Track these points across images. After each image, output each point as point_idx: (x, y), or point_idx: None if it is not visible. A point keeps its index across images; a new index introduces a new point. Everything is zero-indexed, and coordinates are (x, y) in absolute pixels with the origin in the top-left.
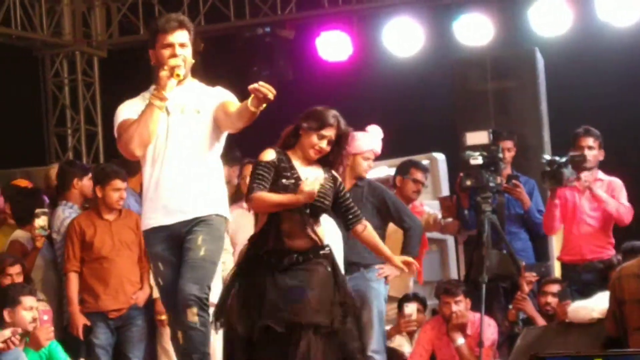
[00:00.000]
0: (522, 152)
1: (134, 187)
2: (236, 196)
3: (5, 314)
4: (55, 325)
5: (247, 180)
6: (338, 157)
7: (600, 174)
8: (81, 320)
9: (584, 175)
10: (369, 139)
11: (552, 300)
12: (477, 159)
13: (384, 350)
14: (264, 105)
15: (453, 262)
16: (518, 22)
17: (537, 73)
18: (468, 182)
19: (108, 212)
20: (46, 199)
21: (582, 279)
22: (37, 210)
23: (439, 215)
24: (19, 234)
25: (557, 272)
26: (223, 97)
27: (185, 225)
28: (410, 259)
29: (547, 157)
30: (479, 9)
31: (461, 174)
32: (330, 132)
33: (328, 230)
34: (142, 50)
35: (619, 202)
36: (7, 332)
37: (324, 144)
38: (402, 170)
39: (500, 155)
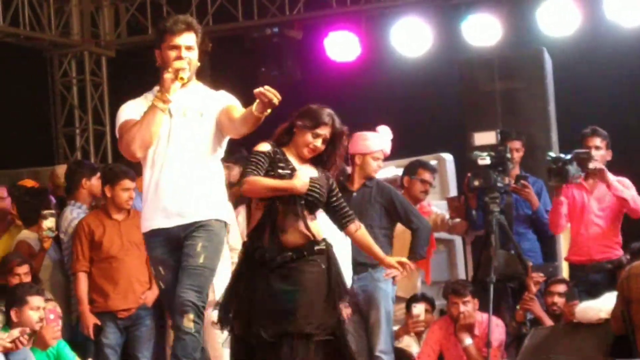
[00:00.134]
0: (529, 152)
1: (141, 188)
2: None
3: (12, 313)
4: (63, 325)
5: None
6: (331, 157)
7: (615, 182)
8: (91, 320)
9: (593, 163)
10: (379, 139)
11: (559, 300)
12: (484, 159)
13: (392, 350)
14: (269, 110)
15: (461, 263)
16: (526, 22)
17: (545, 73)
18: (476, 183)
19: (117, 212)
20: (53, 199)
21: (590, 279)
22: (45, 212)
23: (447, 216)
24: (26, 234)
25: (564, 272)
26: (227, 101)
27: (184, 229)
28: (404, 259)
29: (552, 154)
30: (487, 9)
31: (469, 175)
32: (325, 131)
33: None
34: (150, 50)
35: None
36: (15, 332)
37: (318, 143)
38: (410, 170)
39: (508, 155)
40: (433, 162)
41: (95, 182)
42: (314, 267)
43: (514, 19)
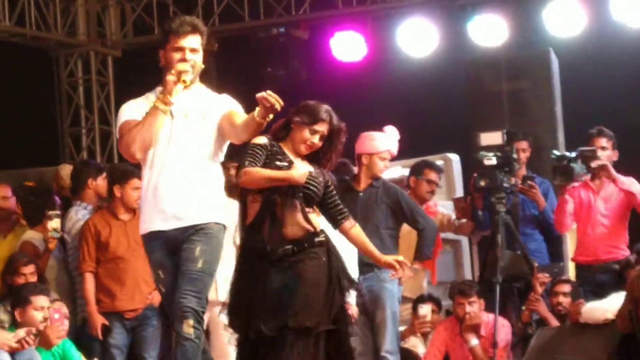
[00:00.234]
0: (536, 152)
1: None
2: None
3: (17, 313)
4: (69, 325)
5: None
6: (328, 154)
7: (621, 177)
8: (99, 321)
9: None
10: (386, 139)
11: (564, 300)
12: (491, 160)
13: (398, 350)
14: (271, 116)
15: (467, 263)
16: (532, 22)
17: (551, 74)
18: (482, 183)
19: (124, 212)
20: (57, 200)
21: (596, 279)
22: (50, 212)
23: (453, 216)
24: (31, 234)
25: (571, 272)
26: (229, 106)
27: (183, 232)
28: (400, 257)
29: (557, 153)
30: (493, 9)
31: (475, 175)
32: (322, 128)
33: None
34: (157, 50)
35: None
36: (21, 332)
37: (315, 139)
38: (416, 170)
39: (515, 155)
40: (439, 163)
41: (101, 182)
42: (315, 261)
43: (520, 20)
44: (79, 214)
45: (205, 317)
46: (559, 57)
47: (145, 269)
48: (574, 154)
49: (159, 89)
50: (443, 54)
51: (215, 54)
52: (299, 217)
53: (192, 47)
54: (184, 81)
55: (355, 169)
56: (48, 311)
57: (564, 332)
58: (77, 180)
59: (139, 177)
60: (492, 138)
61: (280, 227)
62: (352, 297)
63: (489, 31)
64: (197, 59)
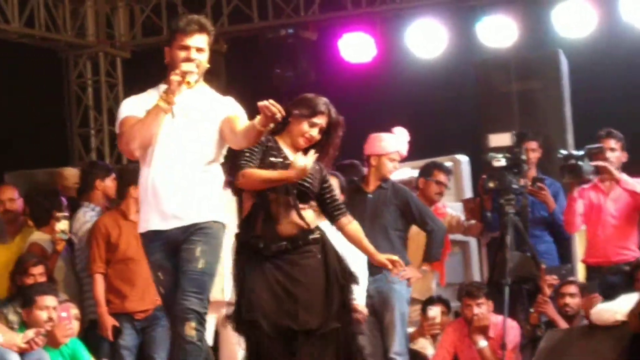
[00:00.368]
0: (545, 154)
1: None
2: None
3: (23, 313)
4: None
5: None
6: (325, 148)
7: (624, 176)
8: (110, 322)
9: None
10: (395, 140)
11: (571, 301)
12: (500, 161)
13: (407, 352)
14: (271, 125)
15: (476, 264)
16: (542, 23)
17: (561, 75)
18: (491, 184)
19: (134, 212)
20: (64, 201)
21: (607, 281)
22: (58, 214)
23: (462, 217)
24: (38, 236)
25: (580, 274)
26: (232, 110)
27: (183, 232)
28: (395, 257)
29: (564, 151)
30: (502, 10)
31: (484, 176)
32: (321, 120)
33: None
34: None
35: None
36: (30, 333)
37: (314, 132)
38: (425, 172)
39: (524, 157)
40: (448, 164)
41: (109, 184)
42: (310, 260)
43: (529, 21)
44: (87, 215)
45: (213, 318)
46: (568, 58)
47: None
48: (581, 152)
49: (163, 86)
50: (452, 55)
51: (224, 55)
52: (293, 213)
53: (198, 47)
54: (188, 82)
55: (365, 170)
56: (54, 311)
57: (573, 334)
58: (85, 181)
59: None
60: (501, 139)
61: (273, 223)
62: (361, 298)
63: (498, 32)
64: (202, 59)
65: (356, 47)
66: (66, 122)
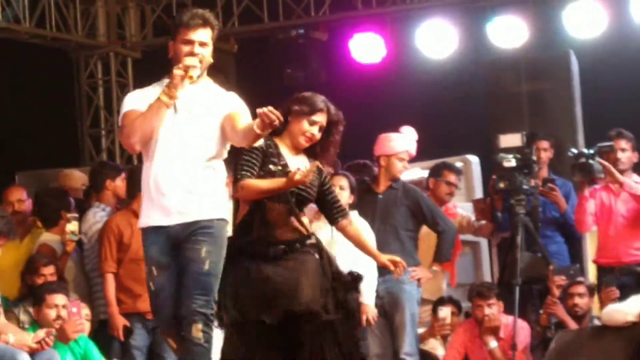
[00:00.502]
0: (556, 154)
1: None
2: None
3: (34, 312)
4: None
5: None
6: (325, 147)
7: (635, 177)
8: (121, 322)
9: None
10: (403, 140)
11: (580, 301)
12: (510, 162)
13: (417, 352)
14: (269, 130)
15: (486, 265)
16: (552, 24)
17: (571, 75)
18: (501, 185)
19: None
20: (72, 201)
21: (618, 281)
22: (68, 215)
23: (472, 218)
24: (47, 237)
25: (591, 274)
26: (235, 106)
27: (185, 228)
28: (397, 258)
29: (575, 150)
30: (513, 11)
31: (494, 177)
32: (321, 118)
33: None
34: None
35: None
36: (41, 333)
37: (315, 130)
38: (435, 172)
39: (534, 157)
40: (458, 164)
41: (119, 184)
42: (309, 257)
43: (540, 21)
44: (97, 215)
45: None
46: (579, 59)
47: None
48: (592, 151)
49: (166, 80)
50: (462, 55)
51: (235, 55)
52: (291, 220)
53: (201, 41)
54: (191, 77)
55: (376, 171)
56: (64, 309)
57: (584, 335)
58: (95, 181)
59: None
60: (511, 140)
61: (270, 229)
62: (370, 299)
63: (508, 32)
64: (205, 53)
65: (366, 48)
66: (77, 123)
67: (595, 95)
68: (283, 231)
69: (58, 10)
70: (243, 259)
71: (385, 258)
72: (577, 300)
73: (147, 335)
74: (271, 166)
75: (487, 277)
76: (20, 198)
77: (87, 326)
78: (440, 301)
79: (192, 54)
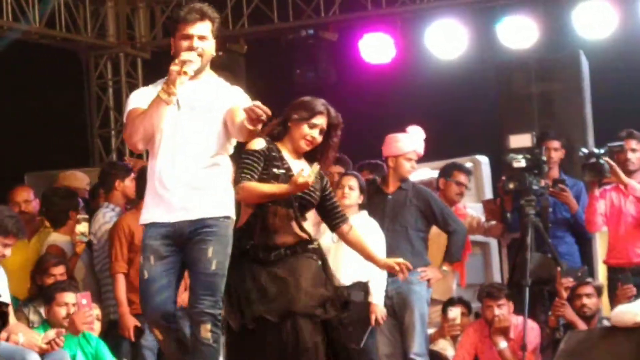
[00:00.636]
0: (566, 155)
1: None
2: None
3: (45, 311)
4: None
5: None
6: (325, 151)
7: (633, 182)
8: (132, 322)
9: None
10: (410, 139)
11: (588, 302)
12: (520, 162)
13: (427, 353)
14: (260, 126)
15: (496, 265)
16: (562, 24)
17: (581, 76)
18: (511, 185)
19: None
20: (81, 202)
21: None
22: (78, 216)
23: (482, 218)
24: (55, 237)
25: (601, 275)
26: (237, 100)
27: (190, 225)
28: (400, 260)
29: (585, 150)
30: (523, 11)
31: (503, 177)
32: (321, 121)
33: (371, 231)
34: None
35: None
36: (51, 333)
37: (315, 133)
38: (445, 172)
39: (544, 158)
40: (468, 165)
41: (129, 184)
42: (310, 260)
43: (550, 22)
44: (107, 216)
45: None
46: (589, 59)
47: None
48: (602, 150)
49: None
50: (472, 56)
51: (245, 56)
52: (293, 225)
53: (200, 34)
54: (185, 72)
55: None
56: (74, 307)
57: (594, 336)
58: (105, 181)
59: None
60: (521, 140)
61: (271, 234)
62: (380, 298)
63: (518, 33)
64: (206, 47)
65: (376, 48)
66: (87, 123)
67: (605, 95)
68: (284, 236)
69: (68, 10)
70: (244, 263)
71: (389, 261)
72: (585, 300)
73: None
74: (275, 170)
75: (497, 278)
76: (27, 198)
77: (97, 326)
78: (450, 302)
79: (191, 48)
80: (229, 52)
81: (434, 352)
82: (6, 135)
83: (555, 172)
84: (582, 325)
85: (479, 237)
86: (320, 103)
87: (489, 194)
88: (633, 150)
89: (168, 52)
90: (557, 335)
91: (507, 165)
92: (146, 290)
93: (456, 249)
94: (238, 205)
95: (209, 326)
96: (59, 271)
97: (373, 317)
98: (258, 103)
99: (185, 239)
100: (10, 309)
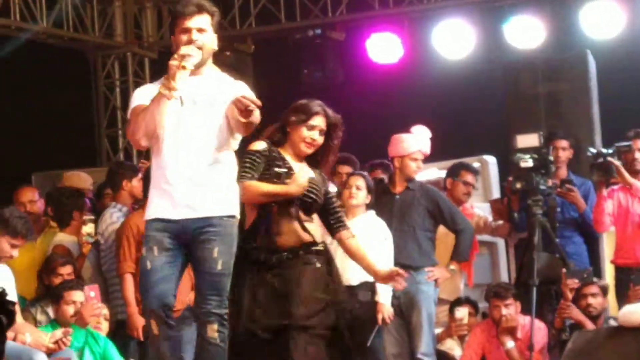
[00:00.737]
0: (574, 154)
1: None
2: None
3: (53, 310)
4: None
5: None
6: (325, 154)
7: (638, 183)
8: (140, 322)
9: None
10: (415, 139)
11: (594, 302)
12: (527, 162)
13: (434, 353)
14: (252, 118)
15: (503, 265)
16: (570, 24)
17: (588, 76)
18: (518, 185)
19: None
20: (88, 202)
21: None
22: (84, 217)
23: (490, 218)
24: (62, 237)
25: (608, 275)
26: (238, 93)
27: (195, 223)
28: (397, 269)
29: (593, 150)
30: (530, 11)
31: (510, 178)
32: (319, 121)
33: (378, 231)
34: None
35: None
36: (58, 333)
37: (315, 135)
38: (453, 172)
39: (551, 158)
40: (476, 165)
41: (136, 184)
42: (310, 267)
43: (557, 21)
44: (114, 216)
45: None
46: (596, 59)
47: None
48: (610, 150)
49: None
50: (479, 55)
51: (252, 55)
52: (296, 226)
53: (198, 27)
54: (184, 66)
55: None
56: (81, 304)
57: (601, 335)
58: (112, 181)
59: None
60: (528, 140)
61: (275, 236)
62: (387, 298)
63: (525, 33)
64: (205, 39)
65: (384, 48)
66: (94, 123)
67: (613, 95)
68: (287, 238)
69: (75, 10)
70: (246, 265)
71: (386, 272)
72: (591, 300)
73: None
74: (276, 169)
75: (504, 278)
76: (32, 199)
77: (105, 326)
78: (458, 302)
79: (190, 41)
80: (236, 52)
81: (441, 351)
82: (13, 135)
83: (563, 172)
84: (590, 325)
85: (486, 237)
86: (316, 104)
87: (496, 194)
88: None
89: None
90: (563, 337)
91: (515, 165)
92: (148, 280)
93: (464, 248)
94: (243, 206)
95: (215, 326)
96: (66, 271)
97: (380, 317)
98: (244, 94)
99: (189, 237)
100: (17, 309)
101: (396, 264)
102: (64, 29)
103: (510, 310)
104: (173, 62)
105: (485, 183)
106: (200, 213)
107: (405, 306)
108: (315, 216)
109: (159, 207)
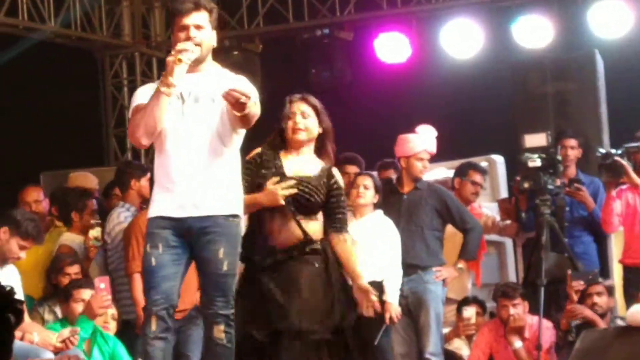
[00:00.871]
0: (583, 154)
1: None
2: None
3: (62, 309)
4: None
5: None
6: (323, 141)
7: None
8: None
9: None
10: (420, 139)
11: (599, 300)
12: (535, 162)
13: (442, 352)
14: (246, 110)
15: (511, 265)
16: (578, 24)
17: (597, 75)
18: (526, 185)
19: None
20: (95, 203)
21: None
22: (92, 221)
23: (497, 218)
24: (67, 237)
25: (616, 274)
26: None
27: (198, 221)
28: (372, 293)
29: (602, 150)
30: (538, 10)
31: (518, 177)
32: (296, 109)
33: (386, 230)
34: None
35: None
36: (65, 332)
37: (299, 119)
38: (461, 172)
39: (559, 157)
40: (484, 164)
41: (144, 183)
42: (307, 267)
43: (565, 21)
44: (122, 215)
45: None
46: (604, 59)
47: (192, 270)
48: (619, 151)
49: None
50: (487, 55)
51: (260, 55)
52: (291, 225)
53: (196, 24)
54: (180, 60)
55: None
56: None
57: (609, 335)
58: (120, 181)
59: None
60: (536, 140)
61: (269, 237)
62: (394, 297)
63: (534, 32)
64: (203, 36)
65: (392, 47)
66: (102, 123)
67: (621, 95)
68: (282, 238)
69: (83, 10)
70: (247, 273)
71: (363, 285)
72: (596, 299)
73: (175, 336)
74: (264, 170)
75: (512, 277)
76: (37, 198)
77: (113, 326)
78: (465, 301)
79: (188, 39)
80: (244, 52)
81: (448, 351)
82: (21, 134)
83: (572, 171)
84: (601, 324)
85: (494, 237)
86: (293, 95)
87: (504, 194)
88: None
89: None
90: (569, 338)
91: (522, 164)
92: (153, 277)
93: (472, 247)
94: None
95: (222, 327)
96: (74, 270)
97: (387, 316)
98: (233, 87)
99: (193, 236)
100: (24, 308)
101: (404, 263)
102: (72, 28)
103: (518, 309)
104: (169, 58)
105: (493, 183)
106: (203, 211)
107: (413, 306)
108: (320, 214)
109: (162, 205)
